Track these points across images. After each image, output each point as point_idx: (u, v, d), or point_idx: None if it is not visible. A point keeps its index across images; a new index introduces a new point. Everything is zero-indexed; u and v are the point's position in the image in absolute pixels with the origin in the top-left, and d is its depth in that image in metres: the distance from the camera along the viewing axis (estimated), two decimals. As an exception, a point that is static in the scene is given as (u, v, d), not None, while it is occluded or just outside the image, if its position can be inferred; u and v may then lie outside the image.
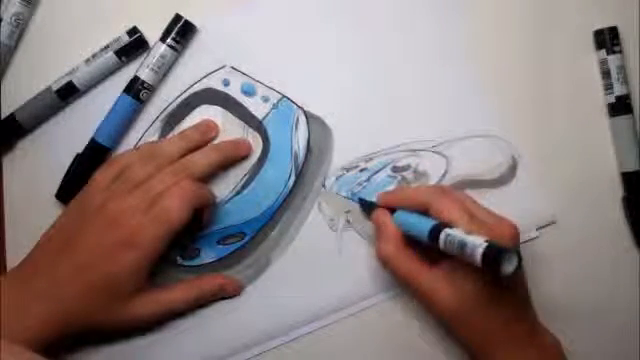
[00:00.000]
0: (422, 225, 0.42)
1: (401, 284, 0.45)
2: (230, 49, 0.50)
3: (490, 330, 0.42)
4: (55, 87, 0.49)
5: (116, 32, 0.49)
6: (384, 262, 0.44)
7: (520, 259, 0.37)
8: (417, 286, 0.42)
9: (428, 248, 0.42)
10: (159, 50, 0.48)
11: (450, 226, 0.40)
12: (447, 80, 0.50)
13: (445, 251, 0.40)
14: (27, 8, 0.50)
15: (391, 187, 0.49)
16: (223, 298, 0.48)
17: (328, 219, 0.49)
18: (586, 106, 0.50)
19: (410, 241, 0.44)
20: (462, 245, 0.38)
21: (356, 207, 0.49)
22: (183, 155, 0.47)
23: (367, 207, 0.48)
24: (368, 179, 0.49)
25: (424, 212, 0.43)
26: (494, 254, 0.37)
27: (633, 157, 0.49)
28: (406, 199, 0.45)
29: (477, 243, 0.38)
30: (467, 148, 0.49)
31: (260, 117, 0.49)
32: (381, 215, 0.45)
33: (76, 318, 0.43)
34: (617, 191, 0.49)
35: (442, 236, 0.40)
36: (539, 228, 0.48)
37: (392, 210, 0.45)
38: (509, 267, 0.37)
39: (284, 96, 0.49)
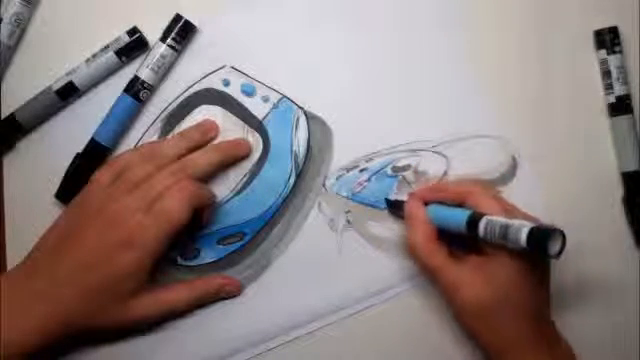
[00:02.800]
0: (459, 215, 0.42)
1: (427, 275, 0.45)
2: (230, 49, 0.50)
3: (513, 328, 0.41)
4: (55, 87, 0.49)
5: (116, 32, 0.49)
6: (412, 252, 0.44)
7: (565, 241, 0.37)
8: (444, 278, 0.42)
9: (457, 244, 0.43)
10: (159, 50, 0.48)
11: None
12: (447, 80, 0.50)
13: (483, 238, 0.40)
14: (27, 8, 0.50)
15: (391, 187, 0.49)
16: (223, 298, 0.48)
17: (328, 219, 0.49)
18: (586, 106, 0.50)
19: (440, 236, 0.44)
20: (505, 228, 0.39)
21: (356, 207, 0.49)
22: (183, 155, 0.47)
23: (395, 206, 0.48)
24: (368, 179, 0.49)
25: (458, 205, 0.43)
26: (541, 234, 0.37)
27: (633, 157, 0.49)
28: (441, 192, 0.45)
29: (522, 224, 0.38)
30: (467, 148, 0.49)
31: (260, 117, 0.49)
32: (414, 206, 0.45)
33: (76, 318, 0.43)
34: (617, 191, 0.49)
35: (482, 222, 0.40)
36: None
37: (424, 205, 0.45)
38: (555, 247, 0.37)
39: (284, 96, 0.49)
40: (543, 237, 0.37)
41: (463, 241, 0.43)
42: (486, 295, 0.41)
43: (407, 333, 0.48)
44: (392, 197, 0.49)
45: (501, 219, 0.40)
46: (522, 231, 0.38)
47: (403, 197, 0.48)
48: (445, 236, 0.44)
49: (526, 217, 0.42)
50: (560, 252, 0.38)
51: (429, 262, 0.43)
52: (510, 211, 0.42)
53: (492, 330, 0.42)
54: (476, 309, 0.42)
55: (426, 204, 0.45)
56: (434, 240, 0.43)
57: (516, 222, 0.39)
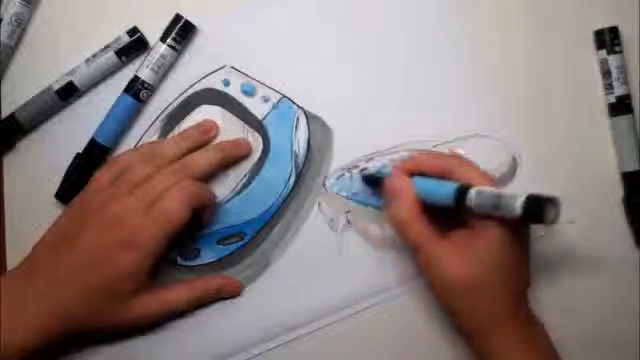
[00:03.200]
0: (445, 187, 0.41)
1: (411, 249, 0.44)
2: (230, 49, 0.50)
3: (493, 306, 0.41)
4: (55, 87, 0.49)
5: (116, 32, 0.49)
6: (396, 225, 0.43)
7: (559, 209, 0.37)
8: (428, 252, 0.42)
9: (440, 218, 0.42)
10: (159, 50, 0.48)
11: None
12: (447, 80, 0.50)
13: (472, 209, 0.40)
14: (27, 8, 0.50)
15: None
16: (223, 298, 0.48)
17: (328, 219, 0.49)
18: (586, 106, 0.50)
19: (424, 210, 0.43)
20: (497, 198, 0.38)
21: (356, 207, 0.49)
22: (183, 155, 0.47)
23: (374, 181, 0.47)
24: (368, 179, 0.49)
25: (443, 177, 0.43)
26: (537, 201, 0.37)
27: (633, 157, 0.49)
28: (425, 164, 0.44)
29: (515, 194, 0.38)
30: (467, 148, 0.49)
31: (260, 117, 0.49)
32: (397, 179, 0.44)
33: (76, 318, 0.43)
34: (617, 191, 0.49)
35: (473, 192, 0.40)
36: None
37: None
38: (550, 215, 0.37)
39: (284, 96, 0.49)
40: (538, 205, 0.37)
41: (446, 215, 0.43)
42: (469, 271, 0.41)
43: (407, 333, 0.48)
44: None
45: (493, 189, 0.39)
46: (517, 200, 0.38)
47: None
48: (428, 210, 0.43)
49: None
50: (554, 220, 0.37)
51: (412, 236, 0.42)
52: (495, 183, 0.42)
53: (472, 307, 0.42)
54: (458, 285, 0.41)
55: (410, 177, 0.44)
56: (418, 214, 0.42)
57: (508, 193, 0.38)
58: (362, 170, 0.49)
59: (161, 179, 0.44)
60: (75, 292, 0.43)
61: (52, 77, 0.49)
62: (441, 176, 0.43)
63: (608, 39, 0.49)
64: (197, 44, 0.50)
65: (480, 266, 0.41)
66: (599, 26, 0.49)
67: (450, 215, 0.42)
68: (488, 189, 0.40)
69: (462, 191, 0.40)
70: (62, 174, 0.49)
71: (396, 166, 0.46)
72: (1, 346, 0.41)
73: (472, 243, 0.41)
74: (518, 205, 0.38)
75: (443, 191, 0.41)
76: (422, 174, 0.44)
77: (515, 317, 0.42)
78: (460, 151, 0.49)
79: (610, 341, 0.48)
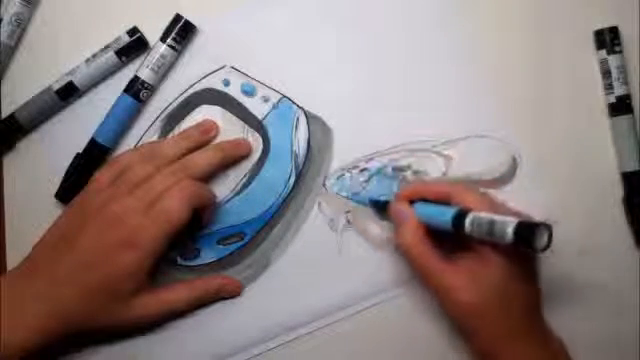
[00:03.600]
0: (445, 212, 0.42)
1: (419, 276, 0.44)
2: (230, 49, 0.50)
3: (504, 325, 0.41)
4: (55, 87, 0.49)
5: (116, 32, 0.49)
6: (403, 252, 0.44)
7: (551, 235, 0.37)
8: (436, 279, 0.42)
9: (445, 242, 0.43)
10: (159, 50, 0.48)
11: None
12: (447, 80, 0.50)
13: (470, 235, 0.40)
14: (27, 8, 0.50)
15: (391, 187, 0.49)
16: (223, 298, 0.48)
17: (328, 219, 0.49)
18: (586, 106, 0.50)
19: (428, 234, 0.43)
20: (491, 224, 0.39)
21: (356, 207, 0.49)
22: (183, 155, 0.47)
23: (380, 206, 0.48)
24: (368, 179, 0.49)
25: (444, 203, 0.43)
26: (527, 228, 0.37)
27: (633, 157, 0.49)
28: (426, 191, 0.45)
29: (508, 220, 0.38)
30: (467, 148, 0.49)
31: (260, 117, 0.49)
32: (400, 205, 0.45)
33: (76, 318, 0.43)
34: (617, 191, 0.49)
35: (469, 219, 0.40)
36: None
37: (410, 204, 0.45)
38: (541, 242, 0.37)
39: (284, 96, 0.49)
40: (529, 232, 0.37)
41: (451, 237, 0.43)
42: (475, 296, 0.41)
43: (407, 333, 0.48)
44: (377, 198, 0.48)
45: (487, 215, 0.40)
46: (508, 226, 0.38)
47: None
48: (433, 233, 0.43)
49: (513, 212, 0.42)
50: (547, 246, 0.38)
51: (420, 263, 0.43)
52: (496, 207, 0.42)
53: (482, 330, 0.42)
54: (466, 310, 0.42)
55: (411, 203, 0.45)
56: (423, 240, 0.43)
57: (501, 218, 0.39)
58: (362, 170, 0.49)
59: (161, 179, 0.44)
60: (75, 292, 0.43)
61: (52, 77, 0.49)
62: (442, 201, 0.43)
63: (608, 39, 0.49)
64: (197, 44, 0.50)
65: (486, 290, 0.41)
66: (599, 26, 0.49)
67: (456, 237, 0.43)
68: (483, 215, 0.40)
69: (459, 217, 0.41)
70: (62, 174, 0.49)
71: (398, 192, 0.47)
72: (1, 346, 0.41)
73: (477, 267, 0.41)
74: (509, 231, 0.38)
75: (442, 216, 0.42)
76: (425, 199, 0.45)
77: (526, 336, 0.42)
78: (454, 153, 0.49)
79: (610, 341, 0.48)
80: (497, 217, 0.39)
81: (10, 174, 0.51)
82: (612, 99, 0.49)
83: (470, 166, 0.49)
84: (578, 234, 0.48)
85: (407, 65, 0.50)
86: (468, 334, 0.43)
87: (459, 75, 0.50)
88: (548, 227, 0.38)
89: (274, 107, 0.49)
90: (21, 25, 0.50)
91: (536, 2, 0.50)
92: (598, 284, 0.48)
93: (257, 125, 0.49)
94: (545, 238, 0.38)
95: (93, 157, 0.49)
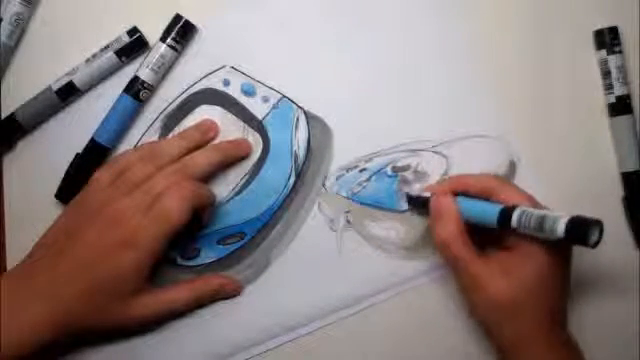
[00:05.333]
0: (490, 208, 0.42)
1: (456, 269, 0.44)
2: (230, 49, 0.50)
3: (530, 325, 0.41)
4: (55, 87, 0.49)
5: (116, 32, 0.49)
6: (442, 245, 0.43)
7: (602, 231, 0.38)
8: (472, 271, 0.42)
9: (481, 238, 0.43)
10: (159, 50, 0.48)
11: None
12: (447, 80, 0.50)
13: (516, 230, 0.40)
14: (27, 8, 0.50)
15: (391, 187, 0.49)
16: (223, 298, 0.48)
17: (328, 219, 0.49)
18: (586, 106, 0.50)
19: (465, 229, 0.43)
20: (541, 219, 0.39)
21: (356, 207, 0.49)
22: (183, 155, 0.47)
23: (417, 202, 0.48)
24: (368, 179, 0.49)
25: (485, 199, 0.43)
26: (580, 223, 0.37)
27: (633, 157, 0.49)
28: (467, 185, 0.45)
29: (559, 215, 0.38)
30: (467, 148, 0.49)
31: (260, 117, 0.49)
32: (443, 198, 0.44)
33: (76, 318, 0.43)
34: (617, 191, 0.49)
35: (517, 213, 0.40)
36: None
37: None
38: (593, 237, 0.37)
39: (284, 96, 0.50)
40: (583, 227, 0.37)
41: (485, 234, 0.43)
42: (509, 291, 0.41)
43: (407, 333, 0.48)
44: (412, 193, 0.48)
45: (538, 210, 0.40)
46: (560, 221, 0.38)
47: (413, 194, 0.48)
48: (469, 229, 0.43)
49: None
50: (598, 242, 0.38)
51: (456, 256, 0.42)
52: (537, 205, 0.42)
53: (508, 326, 0.42)
54: (497, 304, 0.41)
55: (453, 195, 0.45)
56: (462, 234, 0.43)
57: (553, 213, 0.39)
58: (362, 170, 0.49)
59: (161, 179, 0.44)
60: (75, 292, 0.43)
61: (52, 77, 0.49)
62: (483, 196, 0.44)
63: (608, 39, 0.49)
64: (197, 44, 0.50)
65: (520, 287, 0.41)
66: (599, 26, 0.49)
67: (489, 234, 0.43)
68: (532, 210, 0.40)
69: (506, 213, 0.41)
70: (62, 174, 0.49)
71: (440, 185, 0.46)
72: (1, 345, 0.41)
73: (513, 264, 0.41)
74: (561, 227, 0.38)
75: (487, 212, 0.42)
76: (464, 194, 0.44)
77: (549, 339, 0.42)
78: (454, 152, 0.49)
79: (610, 340, 0.48)
80: (548, 212, 0.39)
81: (10, 174, 0.51)
82: (612, 99, 0.49)
83: (470, 166, 0.49)
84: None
85: (407, 65, 0.50)
86: (492, 328, 0.43)
87: (459, 75, 0.50)
88: (599, 223, 0.38)
89: (274, 107, 0.49)
90: (21, 25, 0.50)
91: (536, 2, 0.50)
92: (598, 284, 0.48)
93: (257, 125, 0.49)
94: (597, 233, 0.38)
95: (93, 157, 0.49)
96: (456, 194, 0.44)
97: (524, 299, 0.41)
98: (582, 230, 0.37)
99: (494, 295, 0.41)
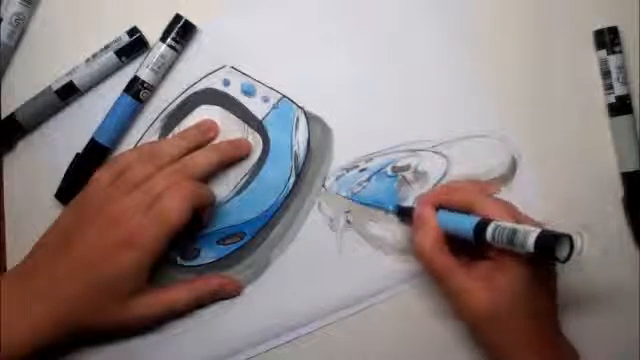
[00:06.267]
0: (466, 221, 0.42)
1: (435, 279, 0.44)
2: (230, 49, 0.50)
3: (518, 333, 0.41)
4: (55, 87, 0.49)
5: (116, 32, 0.49)
6: (420, 255, 0.44)
7: (572, 246, 0.38)
8: (453, 283, 0.42)
9: (464, 251, 0.43)
10: (159, 50, 0.48)
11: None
12: (447, 80, 0.50)
13: (491, 243, 0.40)
14: (27, 8, 0.50)
15: (391, 187, 0.49)
16: (223, 298, 0.48)
17: (328, 219, 0.49)
18: (586, 106, 0.50)
19: (447, 241, 0.44)
20: (513, 233, 0.39)
21: (356, 207, 0.49)
22: (183, 155, 0.47)
23: (404, 212, 0.48)
24: (368, 179, 0.49)
25: (466, 212, 0.43)
26: (548, 238, 0.37)
27: (633, 157, 0.49)
28: (448, 200, 0.45)
29: (530, 229, 0.38)
30: (467, 148, 0.49)
31: (260, 117, 0.49)
32: (424, 209, 0.45)
33: (76, 318, 0.43)
34: (617, 191, 0.49)
35: (490, 228, 0.40)
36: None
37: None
38: (563, 252, 0.37)
39: (284, 96, 0.50)
40: (551, 242, 0.37)
41: (470, 248, 0.43)
42: (492, 301, 0.41)
43: (407, 333, 0.48)
44: (402, 203, 0.49)
45: (509, 224, 0.40)
46: (530, 236, 0.38)
47: (409, 201, 0.48)
48: (452, 242, 0.44)
49: (535, 223, 0.42)
50: (568, 257, 0.38)
51: (437, 266, 0.43)
52: (518, 217, 0.42)
53: (497, 337, 0.42)
54: (481, 315, 0.42)
55: (435, 209, 0.45)
56: (442, 245, 0.43)
57: (524, 227, 0.39)
58: (362, 170, 0.49)
59: (161, 179, 0.44)
60: (75, 292, 0.43)
61: (52, 77, 0.49)
62: (464, 209, 0.44)
63: (608, 39, 0.49)
64: (197, 44, 0.50)
65: (500, 295, 0.41)
66: (599, 26, 0.49)
67: (474, 246, 0.43)
68: (505, 224, 0.40)
69: (481, 226, 0.41)
70: (62, 174, 0.49)
71: (422, 197, 0.47)
72: (1, 346, 0.41)
73: (494, 275, 0.41)
74: (530, 241, 0.38)
75: (464, 225, 0.42)
76: (447, 207, 0.45)
77: (541, 343, 0.42)
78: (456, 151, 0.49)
79: (610, 341, 0.48)
80: (519, 226, 0.39)
81: (10, 174, 0.51)
82: (612, 99, 0.49)
83: (470, 166, 0.49)
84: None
85: (407, 65, 0.50)
86: (479, 338, 0.44)
87: (459, 75, 0.50)
88: (569, 238, 0.38)
89: (274, 107, 0.49)
90: (21, 25, 0.50)
91: (536, 2, 0.50)
92: (598, 284, 0.48)
93: (257, 125, 0.49)
94: (567, 248, 0.38)
95: (93, 157, 0.49)
96: (438, 207, 0.45)
97: (504, 309, 0.41)
98: (551, 245, 0.37)
99: (475, 305, 0.41)
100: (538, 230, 0.38)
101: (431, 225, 0.44)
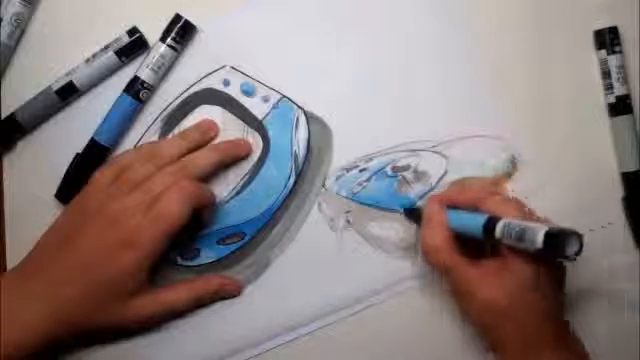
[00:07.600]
0: (475, 219, 0.42)
1: (444, 276, 0.44)
2: (230, 49, 0.50)
3: (527, 329, 0.41)
4: (55, 87, 0.49)
5: (116, 32, 0.49)
6: (429, 252, 0.44)
7: (582, 244, 0.38)
8: (462, 281, 0.42)
9: (473, 250, 0.43)
10: (159, 50, 0.48)
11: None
12: (447, 80, 0.50)
13: (500, 240, 0.40)
14: (27, 8, 0.50)
15: (391, 187, 0.49)
16: (223, 298, 0.48)
17: (328, 219, 0.49)
18: (586, 106, 0.50)
19: (455, 239, 0.44)
20: (522, 231, 0.39)
21: (356, 207, 0.49)
22: (183, 155, 0.47)
23: (412, 213, 0.48)
24: (368, 179, 0.49)
25: (475, 210, 0.43)
26: (557, 235, 0.37)
27: (633, 157, 0.49)
28: (457, 197, 0.45)
29: (539, 227, 0.38)
30: (467, 148, 0.49)
31: (260, 117, 0.49)
32: (434, 207, 0.45)
33: (76, 318, 0.43)
34: (617, 191, 0.49)
35: (500, 225, 0.40)
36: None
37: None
38: (571, 249, 0.38)
39: (284, 96, 0.50)
40: (560, 239, 0.37)
41: (477, 248, 0.43)
42: (499, 298, 0.41)
43: (407, 333, 0.48)
44: (407, 204, 0.49)
45: (518, 221, 0.40)
46: (539, 233, 0.38)
47: (416, 201, 0.49)
48: (460, 241, 0.44)
49: (542, 220, 0.42)
50: (577, 254, 0.38)
51: (446, 263, 0.43)
52: (527, 214, 0.42)
53: (506, 332, 0.42)
54: (488, 310, 0.42)
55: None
56: (452, 242, 0.43)
57: (533, 224, 0.39)
58: (362, 170, 0.49)
59: (161, 179, 0.44)
60: (75, 292, 0.43)
61: (52, 77, 0.49)
62: (473, 207, 0.44)
63: (608, 39, 0.49)
64: (197, 44, 0.50)
65: (507, 290, 0.41)
66: (599, 26, 0.49)
67: (482, 244, 0.43)
68: (515, 221, 0.40)
69: (490, 224, 0.41)
70: (62, 174, 0.49)
71: (431, 196, 0.47)
72: (1, 346, 0.41)
73: (502, 272, 0.41)
74: (539, 238, 0.38)
75: (473, 223, 0.42)
76: (456, 205, 0.45)
77: (552, 339, 0.42)
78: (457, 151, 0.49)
79: (610, 341, 0.48)
80: (528, 223, 0.39)
81: (10, 174, 0.51)
82: (612, 99, 0.49)
83: (470, 166, 0.49)
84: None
85: (407, 65, 0.50)
86: (487, 337, 0.43)
87: (459, 75, 0.50)
88: (578, 235, 0.38)
89: (274, 107, 0.49)
90: (21, 25, 0.50)
91: (536, 2, 0.50)
92: (598, 284, 0.48)
93: (257, 125, 0.49)
94: (576, 245, 0.38)
95: (93, 157, 0.49)
96: (447, 205, 0.45)
97: (511, 304, 0.41)
98: (560, 242, 0.37)
99: (483, 300, 0.41)
100: (546, 227, 0.38)
101: (441, 223, 0.44)
